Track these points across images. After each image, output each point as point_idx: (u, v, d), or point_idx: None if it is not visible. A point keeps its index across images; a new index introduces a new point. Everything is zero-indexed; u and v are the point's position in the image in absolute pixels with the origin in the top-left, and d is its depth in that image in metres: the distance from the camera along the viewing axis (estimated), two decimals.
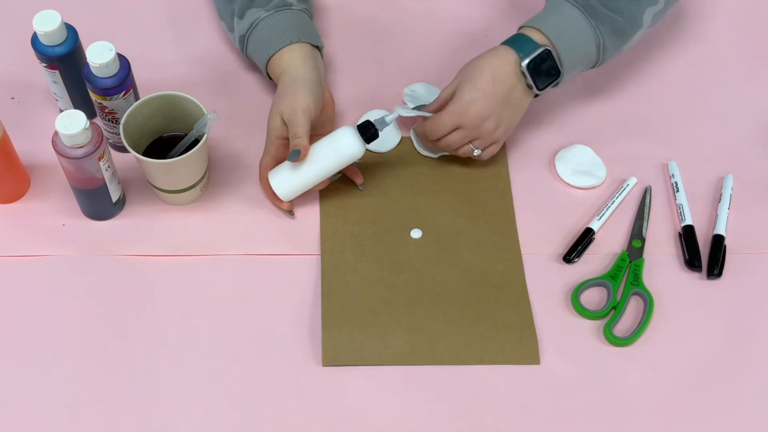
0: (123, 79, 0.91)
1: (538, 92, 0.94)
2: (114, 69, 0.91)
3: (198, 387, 0.86)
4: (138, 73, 0.96)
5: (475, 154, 0.95)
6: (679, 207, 0.99)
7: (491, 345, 0.89)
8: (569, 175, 1.01)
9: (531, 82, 0.92)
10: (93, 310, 0.90)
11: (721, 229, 0.96)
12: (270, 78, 0.98)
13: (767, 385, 0.89)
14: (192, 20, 1.12)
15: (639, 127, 1.06)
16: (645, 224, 0.98)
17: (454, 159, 1.01)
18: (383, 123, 0.91)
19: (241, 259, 0.94)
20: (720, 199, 0.99)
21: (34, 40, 0.93)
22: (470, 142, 0.94)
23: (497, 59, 0.92)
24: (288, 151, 0.93)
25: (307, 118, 0.89)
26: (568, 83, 1.04)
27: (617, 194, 0.99)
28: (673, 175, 1.01)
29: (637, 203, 1.00)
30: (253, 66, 1.07)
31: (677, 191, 1.00)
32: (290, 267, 0.93)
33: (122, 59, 0.92)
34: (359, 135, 0.90)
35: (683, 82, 1.10)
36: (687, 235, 0.96)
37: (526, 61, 0.91)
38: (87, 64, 0.90)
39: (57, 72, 0.95)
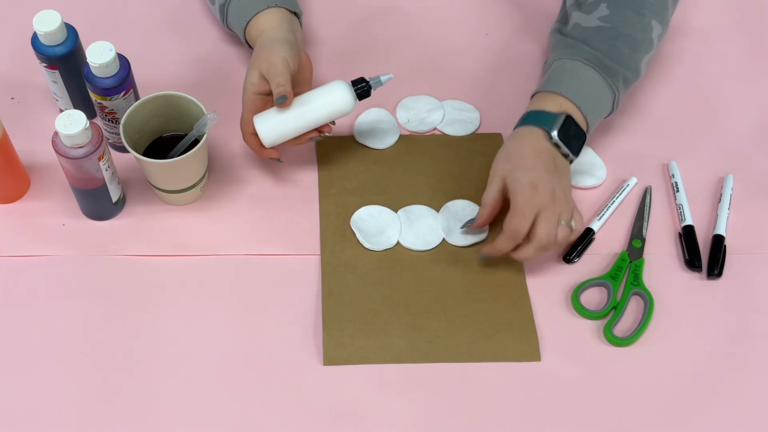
0: (123, 79, 0.91)
1: (573, 158, 0.91)
2: (114, 69, 0.91)
3: (199, 387, 0.86)
4: (138, 73, 0.96)
5: (572, 225, 0.88)
6: (679, 207, 0.99)
7: (492, 343, 0.89)
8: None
9: (566, 151, 0.90)
10: (93, 310, 0.90)
11: (721, 229, 0.96)
12: (250, 47, 0.98)
13: (767, 385, 0.89)
14: (192, 20, 1.12)
15: (639, 127, 1.06)
16: (645, 224, 0.98)
17: (453, 158, 1.01)
18: (378, 82, 0.92)
19: (242, 259, 0.94)
20: (720, 199, 1.00)
21: (34, 40, 0.93)
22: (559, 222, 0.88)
23: (528, 137, 0.90)
24: (266, 107, 0.93)
25: (287, 68, 0.89)
26: None
27: (617, 194, 0.99)
28: (673, 175, 1.01)
29: (637, 203, 1.00)
30: None
31: (677, 191, 1.00)
32: (290, 267, 0.93)
33: (122, 59, 0.92)
34: (352, 90, 0.91)
35: (683, 82, 1.10)
36: (687, 235, 0.96)
37: (555, 131, 0.89)
38: (87, 64, 0.90)
39: (57, 72, 0.95)
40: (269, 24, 0.94)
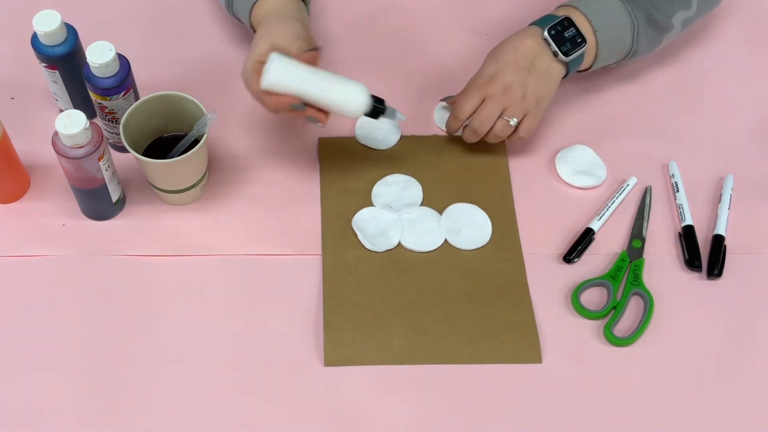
0: (123, 79, 0.91)
1: (565, 59, 0.94)
2: (114, 69, 0.91)
3: (199, 387, 0.86)
4: (138, 73, 0.96)
5: (511, 123, 0.94)
6: (679, 207, 0.99)
7: (493, 344, 0.89)
8: (569, 175, 1.01)
9: (555, 48, 0.93)
10: (93, 310, 0.90)
11: (721, 229, 0.96)
12: (254, 32, 0.95)
13: (767, 384, 0.89)
14: (192, 20, 1.12)
15: (639, 127, 1.06)
16: (645, 224, 0.98)
17: (454, 159, 1.01)
18: (393, 114, 0.91)
19: (241, 259, 0.94)
20: (720, 199, 1.00)
21: (34, 40, 0.93)
22: (502, 115, 0.94)
23: (519, 35, 0.96)
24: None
25: (305, 42, 0.87)
26: (568, 83, 1.04)
27: (617, 194, 0.99)
28: (673, 175, 1.01)
29: (637, 203, 1.00)
30: None
31: (677, 191, 1.00)
32: (291, 267, 0.93)
33: (122, 59, 0.92)
34: (369, 100, 0.88)
35: (683, 81, 1.10)
36: (687, 235, 0.96)
37: (547, 28, 0.93)
38: (87, 64, 0.90)
39: (57, 72, 0.95)
40: (279, 4, 0.93)
